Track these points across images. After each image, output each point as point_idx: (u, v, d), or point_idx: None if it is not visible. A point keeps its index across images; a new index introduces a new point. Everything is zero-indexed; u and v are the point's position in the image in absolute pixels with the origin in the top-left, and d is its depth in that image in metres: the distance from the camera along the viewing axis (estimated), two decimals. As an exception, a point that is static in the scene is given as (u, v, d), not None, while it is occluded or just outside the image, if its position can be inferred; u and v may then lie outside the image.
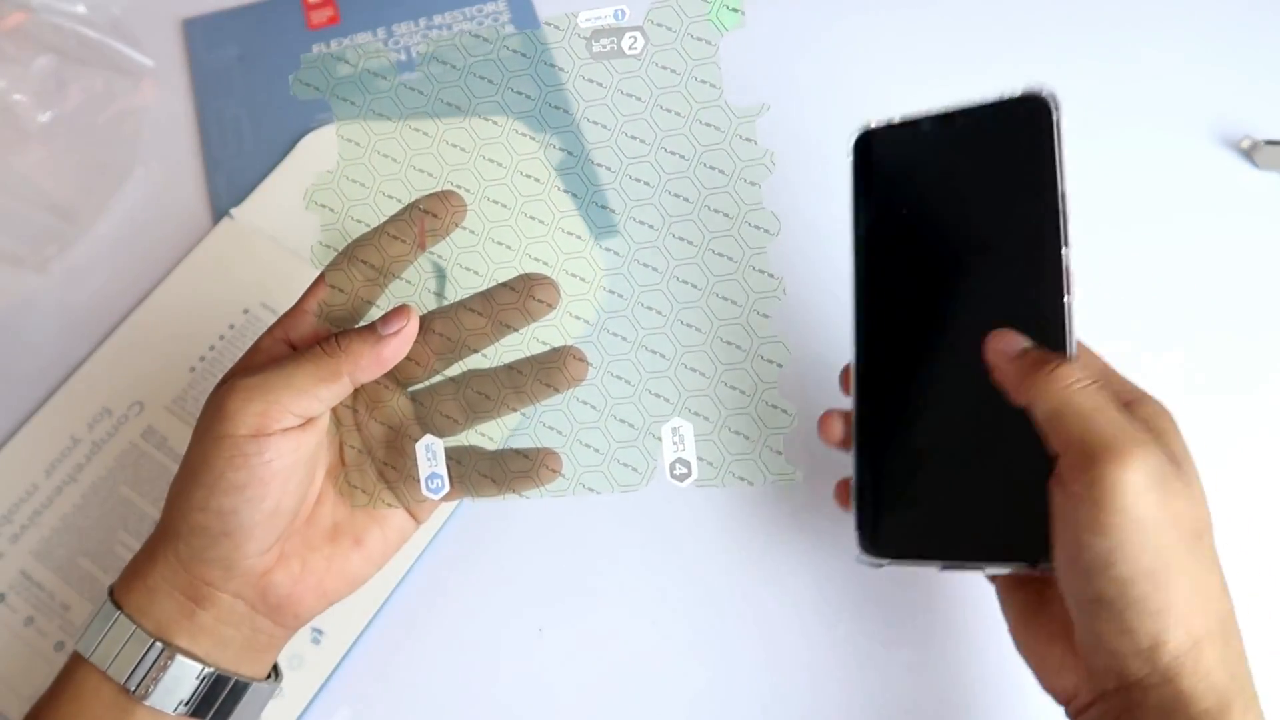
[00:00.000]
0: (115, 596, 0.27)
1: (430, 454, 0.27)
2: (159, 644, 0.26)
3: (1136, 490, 0.23)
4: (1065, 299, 0.26)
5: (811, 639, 0.34)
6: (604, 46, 0.26)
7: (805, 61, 0.33)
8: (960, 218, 0.28)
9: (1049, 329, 0.26)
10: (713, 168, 0.27)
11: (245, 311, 0.40)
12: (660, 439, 0.26)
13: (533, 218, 0.27)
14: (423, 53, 0.27)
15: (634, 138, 0.26)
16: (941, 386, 0.28)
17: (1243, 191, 0.42)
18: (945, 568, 0.27)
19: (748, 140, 0.27)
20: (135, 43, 0.42)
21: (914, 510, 0.28)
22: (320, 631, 0.34)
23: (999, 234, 0.28)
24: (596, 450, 0.27)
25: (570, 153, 0.27)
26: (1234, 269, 0.40)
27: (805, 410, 0.27)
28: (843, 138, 0.30)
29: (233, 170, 0.43)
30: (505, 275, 0.28)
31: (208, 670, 0.26)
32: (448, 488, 0.27)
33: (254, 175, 0.43)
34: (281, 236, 0.41)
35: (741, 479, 0.26)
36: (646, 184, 0.26)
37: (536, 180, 0.27)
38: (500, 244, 0.27)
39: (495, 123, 0.27)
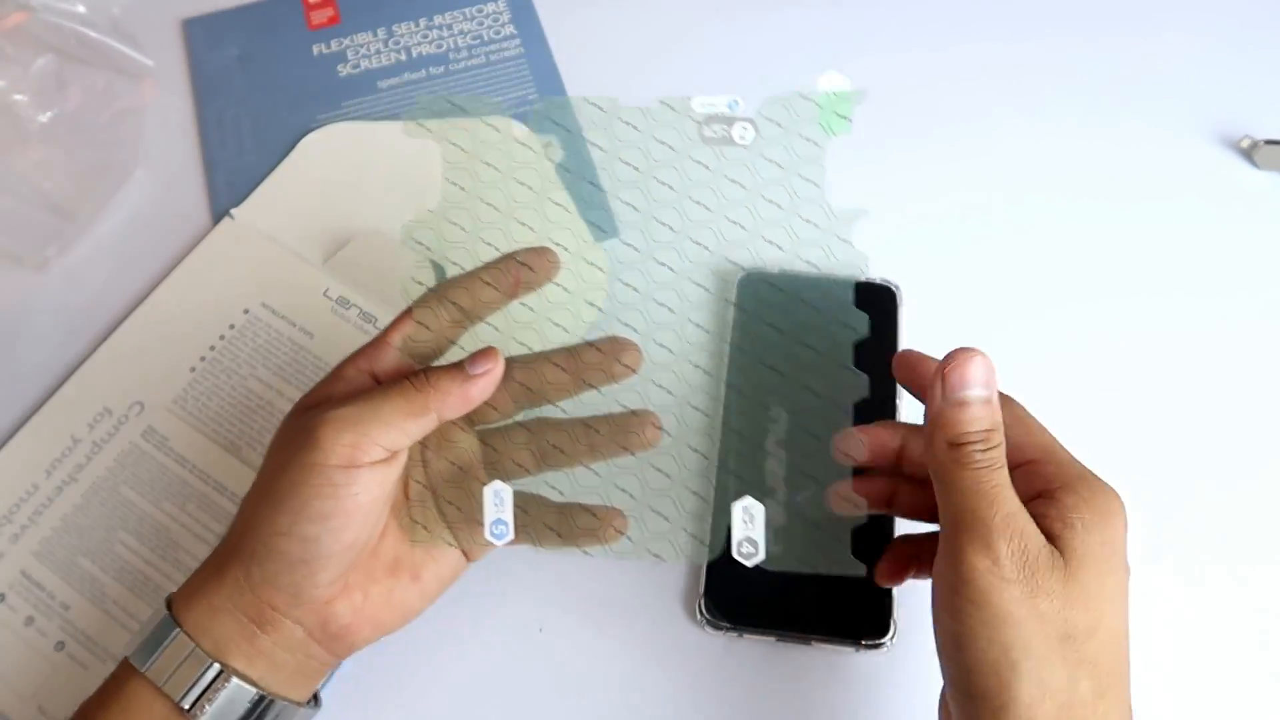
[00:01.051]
0: (174, 611, 0.27)
1: (498, 500, 0.27)
2: (217, 665, 0.26)
3: (992, 579, 0.22)
4: None
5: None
6: (715, 133, 0.28)
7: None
8: (810, 365, 0.30)
9: None
10: (808, 262, 0.28)
11: (246, 311, 0.40)
12: (731, 515, 0.26)
13: (627, 284, 0.28)
14: (537, 111, 0.30)
15: (734, 223, 0.28)
16: (785, 496, 0.30)
17: (1243, 191, 0.42)
18: (780, 639, 0.31)
19: (844, 241, 0.28)
20: (135, 43, 0.42)
21: (756, 585, 0.29)
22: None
23: (838, 390, 0.29)
24: (665, 518, 0.28)
25: (672, 228, 0.28)
26: (1234, 269, 0.40)
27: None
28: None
29: (233, 170, 0.43)
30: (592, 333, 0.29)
31: (261, 694, 0.26)
32: (511, 535, 0.27)
33: (254, 175, 0.43)
34: (282, 236, 0.41)
35: (807, 565, 0.28)
36: (741, 267, 0.29)
37: (635, 250, 0.28)
38: (592, 305, 0.29)
39: (599, 187, 0.29)
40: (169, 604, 0.27)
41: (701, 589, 0.33)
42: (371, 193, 0.42)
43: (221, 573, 0.27)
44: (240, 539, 0.27)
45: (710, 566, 0.31)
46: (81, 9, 0.41)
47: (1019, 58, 0.45)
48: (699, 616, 0.32)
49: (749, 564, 0.27)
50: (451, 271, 0.29)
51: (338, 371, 0.28)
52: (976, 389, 0.24)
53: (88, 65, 0.41)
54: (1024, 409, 0.27)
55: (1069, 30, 0.46)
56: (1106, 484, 0.25)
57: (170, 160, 0.44)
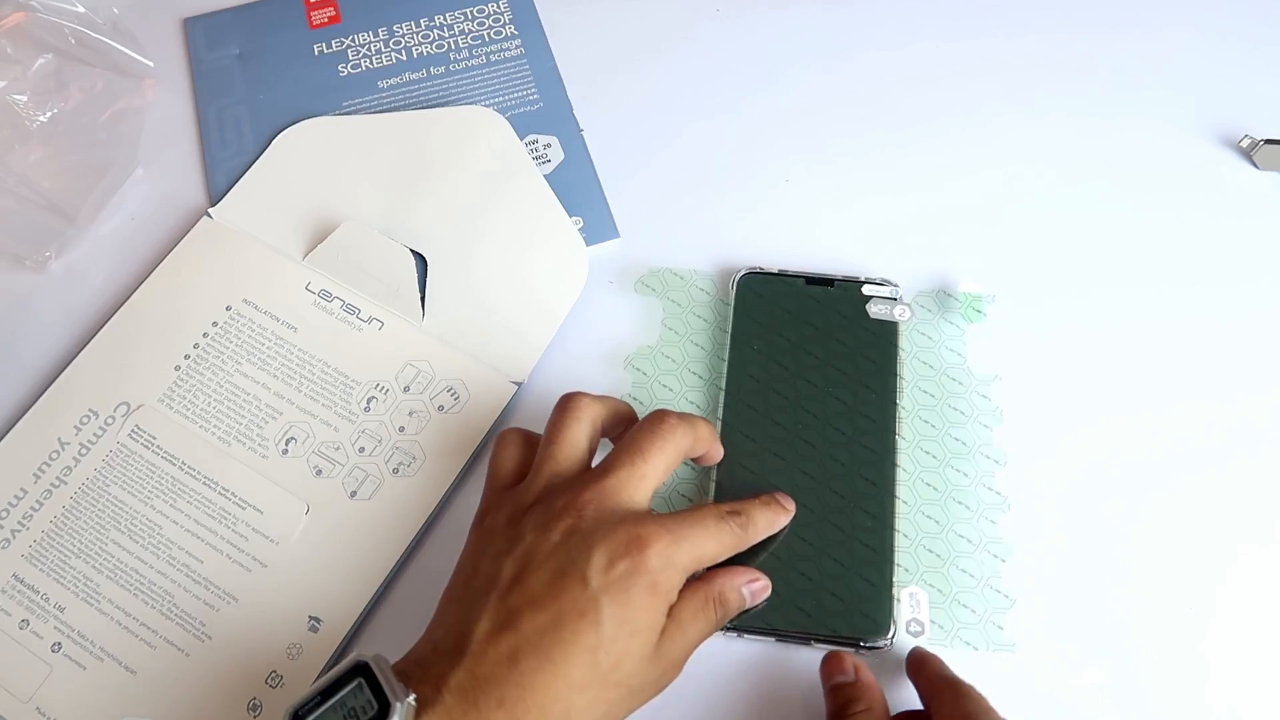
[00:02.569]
0: None
1: (914, 602, 0.33)
2: None
3: None
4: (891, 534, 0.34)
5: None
6: (879, 311, 0.37)
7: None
8: (816, 359, 0.36)
9: (878, 550, 0.33)
10: (955, 408, 0.36)
11: (228, 308, 0.40)
12: (900, 600, 0.33)
13: (809, 411, 0.36)
14: (734, 287, 0.38)
15: (898, 376, 0.36)
16: (786, 491, 0.34)
17: (1243, 191, 0.42)
18: (780, 640, 0.32)
19: (984, 397, 0.37)
20: (135, 43, 0.42)
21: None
22: (318, 620, 0.34)
23: (846, 385, 0.36)
24: (840, 599, 0.33)
25: (846, 374, 0.36)
26: (1234, 268, 0.40)
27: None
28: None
29: (233, 170, 0.43)
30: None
31: None
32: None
33: (253, 175, 0.43)
34: (261, 233, 0.41)
35: (967, 644, 0.33)
36: (903, 408, 0.36)
37: (813, 415, 0.36)
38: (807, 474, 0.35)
39: (787, 339, 0.37)
40: None
41: None
42: (348, 186, 0.42)
43: None
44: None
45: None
46: (81, 9, 0.41)
47: (1017, 56, 0.45)
48: None
49: (916, 641, 0.32)
50: (663, 394, 0.38)
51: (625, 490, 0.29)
52: (839, 677, 0.31)
53: (87, 65, 0.41)
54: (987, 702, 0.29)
55: (1068, 29, 0.46)
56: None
57: (170, 160, 0.44)
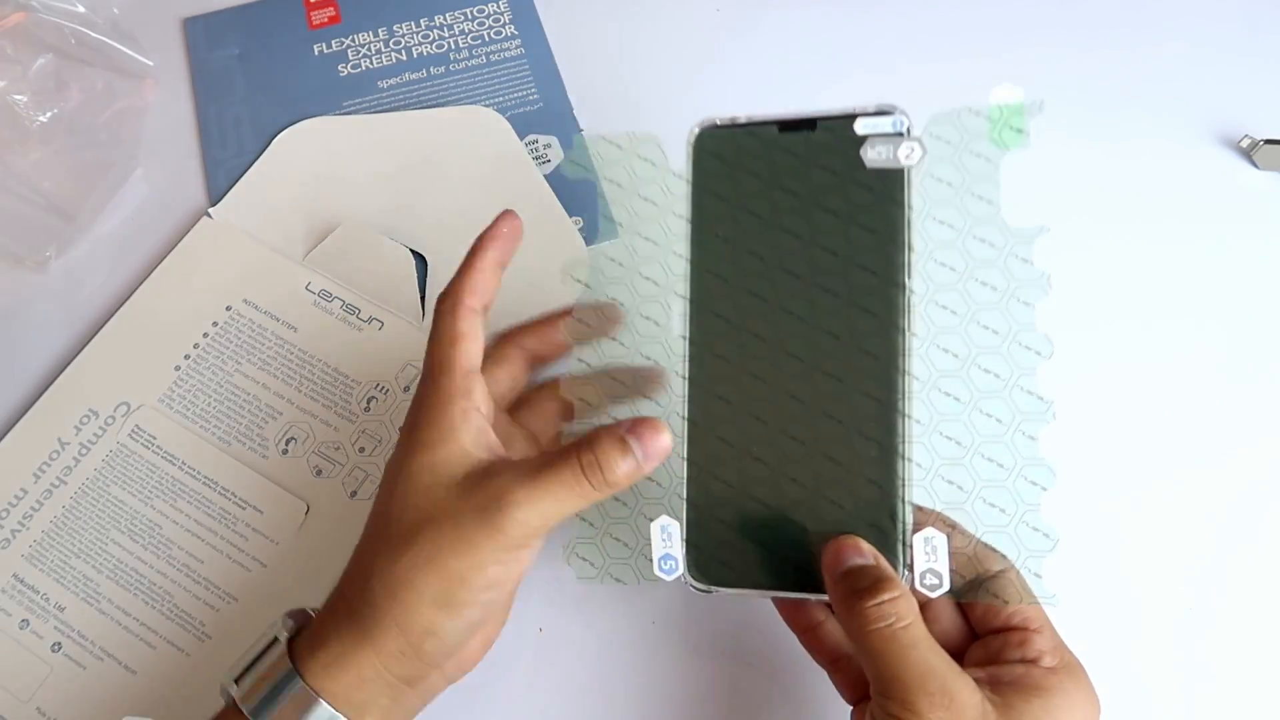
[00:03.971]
0: (312, 678, 0.26)
1: (666, 535, 0.27)
2: None
3: None
4: (902, 398, 0.26)
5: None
6: (879, 155, 0.26)
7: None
8: (797, 239, 0.27)
9: (884, 430, 0.26)
10: (985, 284, 0.27)
11: (228, 308, 0.40)
12: (913, 547, 0.26)
13: (791, 313, 0.27)
14: (690, 149, 0.28)
15: (907, 247, 0.26)
16: (768, 422, 0.27)
17: (1243, 191, 0.42)
18: (771, 595, 0.28)
19: (1024, 260, 0.27)
20: (135, 43, 0.42)
21: (740, 541, 0.27)
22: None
23: (836, 267, 0.27)
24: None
25: (836, 253, 0.27)
26: (1234, 269, 0.40)
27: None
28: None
29: (232, 170, 0.43)
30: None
31: None
32: (680, 569, 0.27)
33: (253, 175, 0.43)
34: (261, 233, 0.41)
35: (996, 596, 0.26)
36: (913, 292, 0.26)
37: (797, 278, 0.27)
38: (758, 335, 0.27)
39: (759, 216, 0.27)
40: (294, 659, 0.26)
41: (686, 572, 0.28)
42: (348, 186, 0.42)
43: (378, 645, 0.26)
44: (405, 611, 0.25)
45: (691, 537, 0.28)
46: (81, 9, 0.41)
47: (1017, 57, 0.45)
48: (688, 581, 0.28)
49: (932, 596, 0.25)
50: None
51: (447, 414, 0.27)
52: (854, 559, 0.25)
53: (87, 65, 0.41)
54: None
55: (1068, 29, 0.46)
56: (1092, 687, 0.25)
57: (170, 160, 0.44)
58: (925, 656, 0.23)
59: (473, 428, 0.27)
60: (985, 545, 0.26)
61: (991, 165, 0.27)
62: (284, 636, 0.27)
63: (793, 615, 0.29)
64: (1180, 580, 0.34)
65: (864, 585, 0.24)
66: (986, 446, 0.27)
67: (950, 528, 0.26)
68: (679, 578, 0.27)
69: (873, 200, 0.26)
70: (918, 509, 0.26)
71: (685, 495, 0.27)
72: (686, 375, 0.27)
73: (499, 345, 0.32)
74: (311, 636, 0.27)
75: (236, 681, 0.27)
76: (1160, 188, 0.42)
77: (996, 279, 0.27)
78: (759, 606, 0.34)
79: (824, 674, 0.29)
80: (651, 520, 0.27)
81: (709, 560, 0.27)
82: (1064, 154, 0.43)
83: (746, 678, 0.33)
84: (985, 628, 0.27)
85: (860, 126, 0.27)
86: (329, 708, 0.25)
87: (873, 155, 0.26)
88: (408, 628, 0.25)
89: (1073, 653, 0.26)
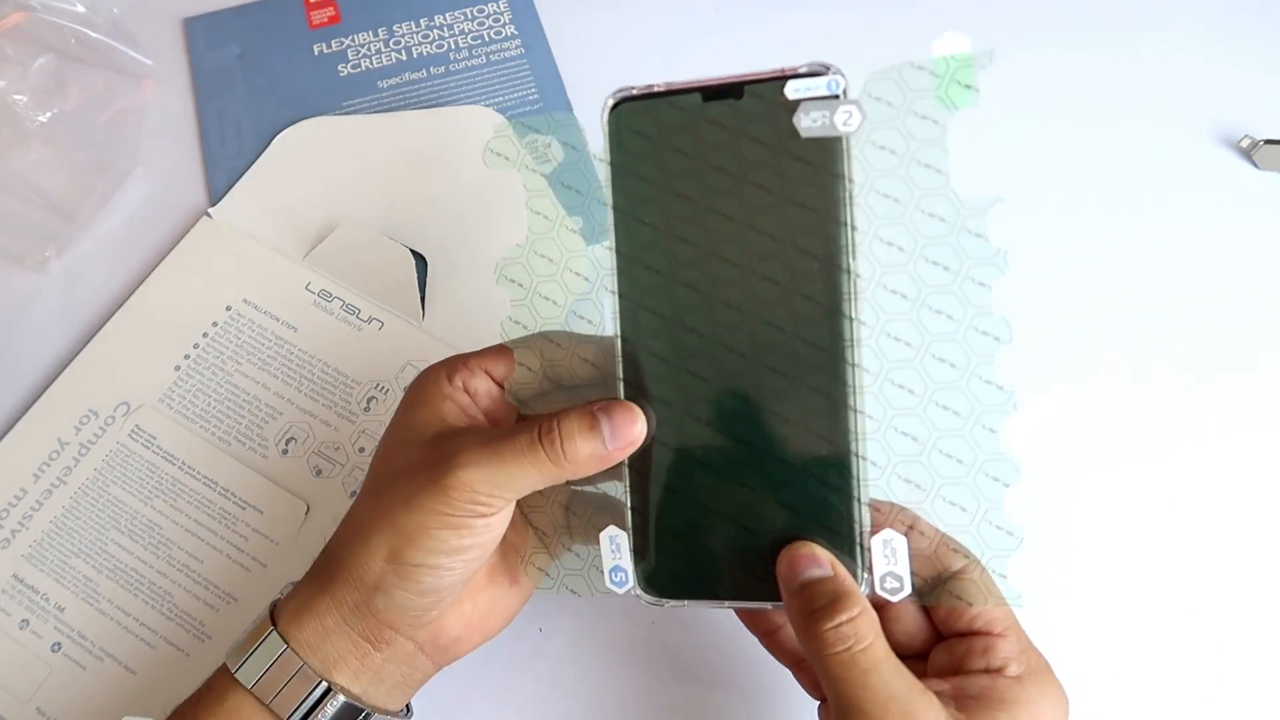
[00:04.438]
0: (280, 625, 0.26)
1: (614, 546, 0.26)
2: (325, 683, 0.26)
3: None
4: (850, 404, 0.24)
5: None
6: (814, 122, 0.23)
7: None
8: (731, 221, 0.24)
9: (834, 431, 0.24)
10: (935, 263, 0.24)
11: (228, 308, 0.40)
12: (871, 550, 0.24)
13: (729, 304, 0.25)
14: (605, 126, 0.25)
15: (844, 224, 0.24)
16: (713, 426, 0.25)
17: (1243, 191, 0.42)
18: (726, 605, 0.26)
19: (977, 236, 0.24)
20: (135, 42, 0.42)
21: (690, 549, 0.26)
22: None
23: (774, 251, 0.24)
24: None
25: (773, 237, 0.24)
26: (1234, 269, 0.40)
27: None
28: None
29: (232, 170, 0.43)
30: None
31: (365, 710, 0.26)
32: (631, 582, 0.26)
33: (253, 175, 0.43)
34: (261, 233, 0.41)
35: (959, 599, 0.25)
36: (859, 276, 0.24)
37: (733, 265, 0.25)
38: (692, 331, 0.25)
39: (687, 198, 0.25)
40: (273, 615, 0.27)
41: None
42: (348, 186, 0.42)
43: (336, 595, 0.26)
44: (358, 564, 0.26)
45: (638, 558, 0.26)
46: (81, 9, 0.41)
47: (1018, 57, 0.45)
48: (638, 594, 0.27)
49: (894, 599, 0.24)
50: (544, 308, 0.27)
51: (435, 387, 0.27)
52: (810, 570, 0.24)
53: (87, 65, 0.41)
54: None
55: (1067, 29, 0.46)
56: (1060, 686, 0.25)
57: (170, 160, 0.44)
58: (887, 681, 0.23)
59: (458, 400, 0.27)
60: (946, 540, 0.25)
61: (939, 128, 0.24)
62: (278, 598, 0.28)
63: (752, 620, 0.29)
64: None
65: (821, 605, 0.23)
66: (944, 441, 0.24)
67: (909, 525, 0.25)
68: (629, 590, 0.26)
69: (810, 174, 0.24)
70: (874, 506, 0.25)
71: (630, 504, 0.26)
72: (622, 377, 0.26)
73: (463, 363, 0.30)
74: (293, 591, 0.27)
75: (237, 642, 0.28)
76: (1160, 187, 0.42)
77: (948, 258, 0.24)
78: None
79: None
80: (600, 530, 0.26)
81: (658, 571, 0.26)
82: (1063, 153, 0.43)
83: (751, 676, 0.33)
84: (949, 629, 0.26)
85: (791, 90, 0.24)
86: (294, 654, 0.26)
87: (807, 123, 0.23)
88: (360, 579, 0.26)
89: (1040, 653, 0.26)
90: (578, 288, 0.27)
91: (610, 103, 0.25)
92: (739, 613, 0.29)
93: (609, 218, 0.26)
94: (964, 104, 0.24)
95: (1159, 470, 0.36)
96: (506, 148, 0.27)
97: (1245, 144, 0.42)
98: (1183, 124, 0.43)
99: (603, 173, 0.26)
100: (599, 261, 0.26)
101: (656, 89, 0.25)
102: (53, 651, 0.34)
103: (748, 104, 0.24)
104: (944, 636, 0.27)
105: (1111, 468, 0.36)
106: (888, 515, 0.25)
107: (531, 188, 0.27)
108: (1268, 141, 0.41)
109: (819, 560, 0.24)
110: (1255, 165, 0.42)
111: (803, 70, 0.23)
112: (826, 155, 0.24)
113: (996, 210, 0.24)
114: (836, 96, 0.23)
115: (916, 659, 0.26)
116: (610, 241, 0.25)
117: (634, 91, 0.25)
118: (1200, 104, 0.43)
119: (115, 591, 0.34)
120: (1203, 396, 0.37)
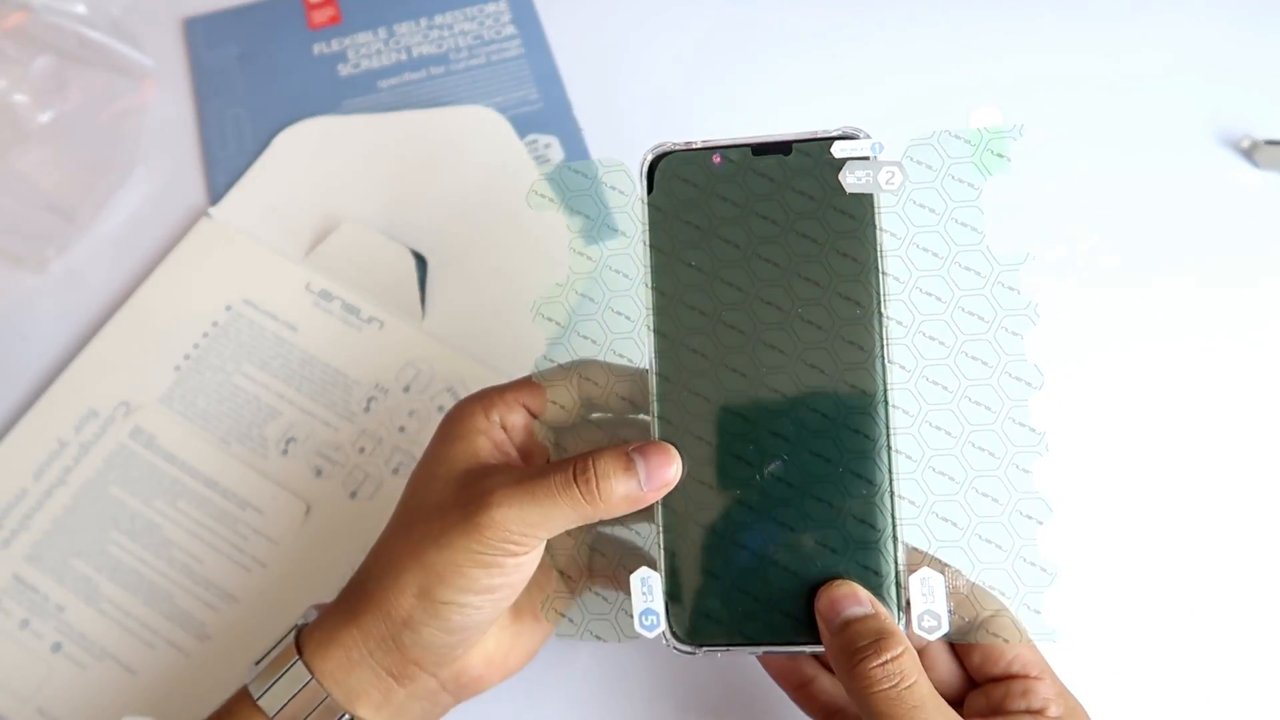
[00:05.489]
0: (305, 654, 0.26)
1: (646, 588, 0.26)
2: (348, 717, 0.26)
3: None
4: (883, 436, 0.25)
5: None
6: (859, 179, 0.26)
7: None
8: (775, 267, 0.26)
9: (866, 464, 0.25)
10: (971, 313, 0.26)
11: (228, 308, 0.40)
12: (909, 588, 0.25)
13: (772, 346, 0.26)
14: (643, 176, 0.27)
15: (887, 274, 0.26)
16: (753, 464, 0.26)
17: (1243, 191, 0.42)
18: (762, 653, 0.26)
19: (1010, 289, 0.26)
20: (135, 43, 0.42)
21: (725, 591, 0.26)
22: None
23: (817, 297, 0.26)
24: None
25: (818, 284, 0.26)
26: (1234, 269, 0.40)
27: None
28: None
29: (232, 170, 0.43)
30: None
31: None
32: (662, 625, 0.26)
33: (253, 175, 0.43)
34: (260, 233, 0.41)
35: (995, 636, 0.26)
36: (899, 323, 0.26)
37: (777, 309, 0.26)
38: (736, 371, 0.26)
39: (735, 245, 0.26)
40: (298, 643, 0.27)
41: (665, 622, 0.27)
42: (348, 186, 0.42)
43: (363, 628, 0.26)
44: (387, 598, 0.26)
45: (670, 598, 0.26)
46: (81, 9, 0.41)
47: (1018, 58, 0.45)
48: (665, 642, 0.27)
49: (931, 638, 0.25)
50: (582, 346, 0.28)
51: (472, 422, 0.27)
52: (852, 608, 0.24)
53: (88, 65, 0.41)
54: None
55: (1067, 29, 0.46)
56: None
57: (170, 160, 0.44)
58: (932, 718, 0.23)
59: (494, 436, 0.27)
60: (977, 587, 0.26)
61: (974, 191, 0.27)
62: (301, 622, 0.28)
63: (782, 672, 0.29)
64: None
65: (864, 643, 0.23)
66: (980, 481, 0.26)
67: (942, 569, 0.25)
68: (660, 634, 0.26)
69: (853, 226, 0.26)
70: (909, 551, 0.25)
71: (662, 544, 0.26)
72: (658, 415, 0.26)
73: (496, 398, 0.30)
74: (319, 620, 0.27)
75: (256, 664, 0.27)
76: (1160, 188, 0.42)
77: (984, 309, 0.26)
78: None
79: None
80: (631, 572, 0.26)
81: (693, 613, 0.26)
82: (1063, 153, 0.43)
83: (763, 684, 0.33)
84: (983, 675, 0.26)
85: (839, 150, 0.26)
86: (318, 685, 0.26)
87: (852, 180, 0.26)
88: (389, 614, 0.26)
89: (1074, 696, 0.26)
90: (620, 328, 0.28)
91: (648, 157, 0.27)
92: (768, 666, 0.29)
93: (648, 257, 0.27)
94: (996, 170, 0.26)
95: (1159, 471, 0.36)
96: (552, 190, 0.29)
97: (1245, 144, 0.42)
98: (1183, 124, 0.43)
99: (640, 212, 0.27)
100: (639, 299, 0.27)
101: (702, 145, 0.27)
102: (53, 651, 0.34)
103: (795, 160, 0.27)
104: (977, 683, 0.27)
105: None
106: (921, 562, 0.25)
107: (576, 229, 0.29)
108: (1268, 142, 0.41)
109: (860, 599, 0.24)
110: (1255, 165, 0.42)
111: (851, 131, 0.26)
112: (868, 210, 0.26)
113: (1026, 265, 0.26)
114: (877, 158, 0.26)
115: (951, 705, 0.26)
116: (648, 279, 0.27)
117: (677, 147, 0.27)
118: (1200, 104, 0.43)
119: (115, 591, 0.34)
120: (1202, 396, 0.37)
